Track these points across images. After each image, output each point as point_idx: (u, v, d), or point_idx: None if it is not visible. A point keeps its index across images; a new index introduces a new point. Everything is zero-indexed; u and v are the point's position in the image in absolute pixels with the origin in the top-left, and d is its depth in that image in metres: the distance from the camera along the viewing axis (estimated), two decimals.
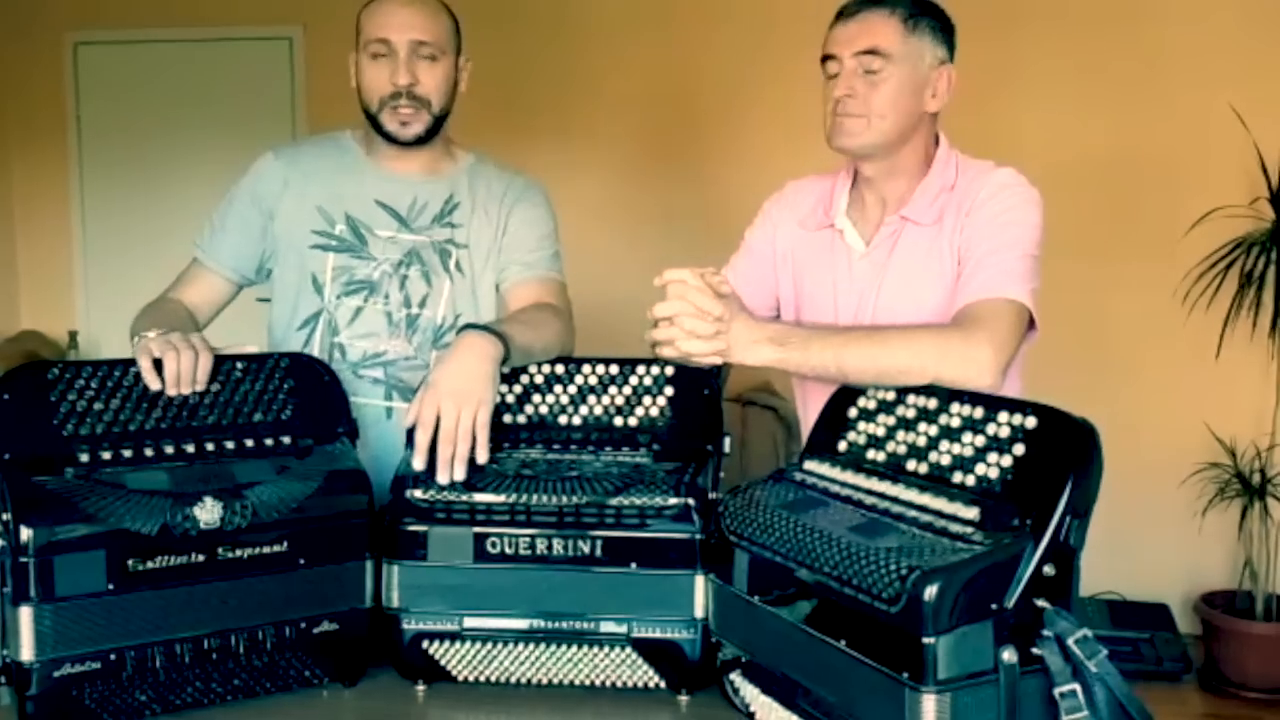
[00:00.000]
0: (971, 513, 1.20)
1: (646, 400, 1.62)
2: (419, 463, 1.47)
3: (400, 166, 1.88)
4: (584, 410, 1.63)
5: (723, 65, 4.23)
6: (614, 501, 1.40)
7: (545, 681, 1.43)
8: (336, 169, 1.88)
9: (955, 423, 1.32)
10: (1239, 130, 3.65)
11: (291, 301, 1.88)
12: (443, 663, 1.43)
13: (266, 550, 1.38)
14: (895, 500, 1.29)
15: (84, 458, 1.38)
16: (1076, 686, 1.10)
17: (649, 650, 1.40)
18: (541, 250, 1.91)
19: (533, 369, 1.65)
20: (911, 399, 1.39)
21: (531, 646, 1.42)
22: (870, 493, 1.33)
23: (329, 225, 1.85)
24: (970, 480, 1.26)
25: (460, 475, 1.46)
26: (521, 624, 1.41)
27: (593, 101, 4.37)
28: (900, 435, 1.38)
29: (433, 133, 1.84)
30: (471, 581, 1.41)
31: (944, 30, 1.66)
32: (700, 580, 1.39)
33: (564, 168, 4.07)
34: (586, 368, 1.64)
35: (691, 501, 1.39)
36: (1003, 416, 1.26)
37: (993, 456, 1.24)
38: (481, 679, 1.44)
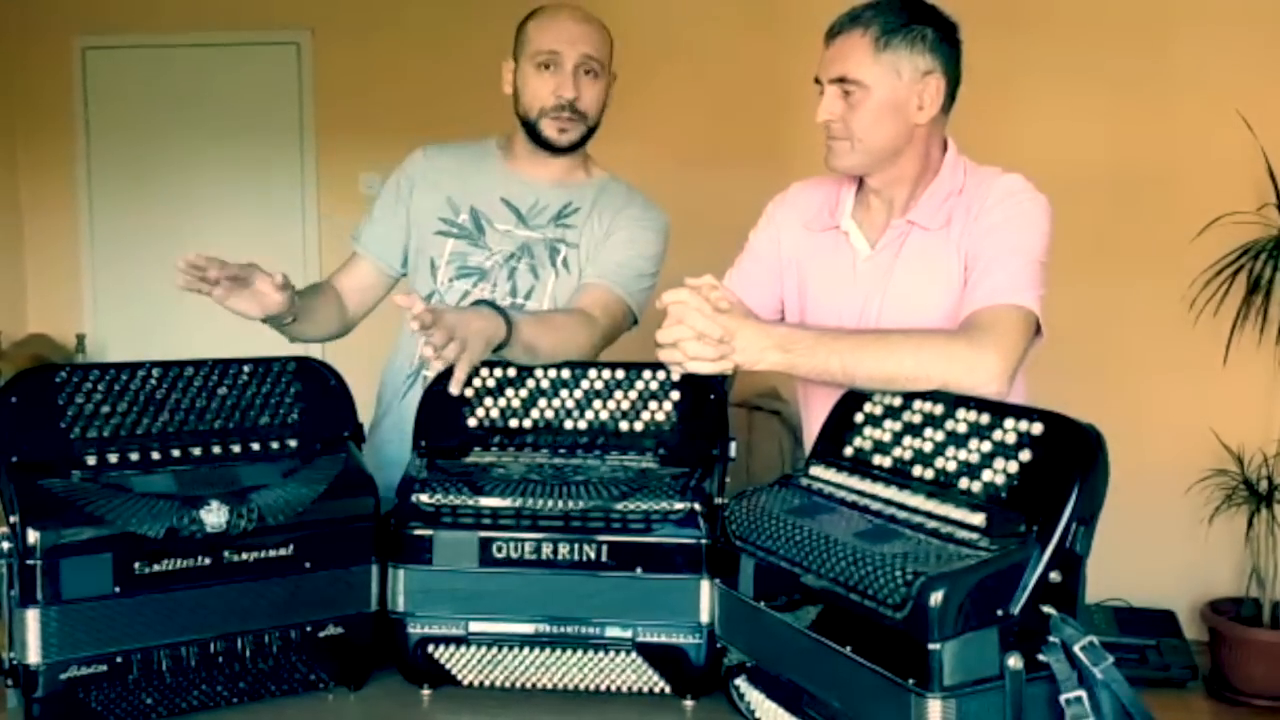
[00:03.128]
0: (977, 519, 1.19)
1: (652, 405, 1.62)
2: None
3: (533, 173, 1.97)
4: (590, 415, 1.63)
5: (758, 69, 4.19)
6: (619, 506, 1.40)
7: (550, 686, 1.43)
8: (473, 167, 1.99)
9: (961, 428, 1.32)
10: (1246, 135, 3.65)
11: (414, 286, 1.98)
12: (448, 667, 1.43)
13: (272, 554, 1.38)
14: (901, 506, 1.29)
15: (91, 461, 1.38)
16: (1082, 693, 1.10)
17: (654, 655, 1.40)
18: (625, 267, 1.92)
19: (539, 373, 1.65)
20: (918, 404, 1.39)
21: (537, 651, 1.42)
22: (876, 498, 1.32)
23: (453, 214, 1.96)
24: (976, 486, 1.25)
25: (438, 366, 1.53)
26: (527, 628, 1.41)
27: (624, 103, 4.34)
28: (906, 441, 1.38)
29: (584, 141, 1.94)
30: (477, 586, 1.41)
31: (938, 37, 1.62)
32: (705, 585, 1.39)
33: None
34: (593, 372, 1.65)
35: (697, 506, 1.39)
36: (1009, 423, 1.26)
37: (999, 462, 1.24)
38: (487, 683, 1.44)
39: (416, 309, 1.46)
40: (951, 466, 1.30)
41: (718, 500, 1.43)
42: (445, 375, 1.63)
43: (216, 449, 1.45)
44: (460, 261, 1.94)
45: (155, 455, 1.41)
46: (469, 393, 1.64)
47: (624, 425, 1.61)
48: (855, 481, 1.38)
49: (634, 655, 1.41)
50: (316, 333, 1.94)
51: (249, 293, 1.67)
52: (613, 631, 1.40)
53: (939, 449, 1.33)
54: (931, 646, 1.07)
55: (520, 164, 1.97)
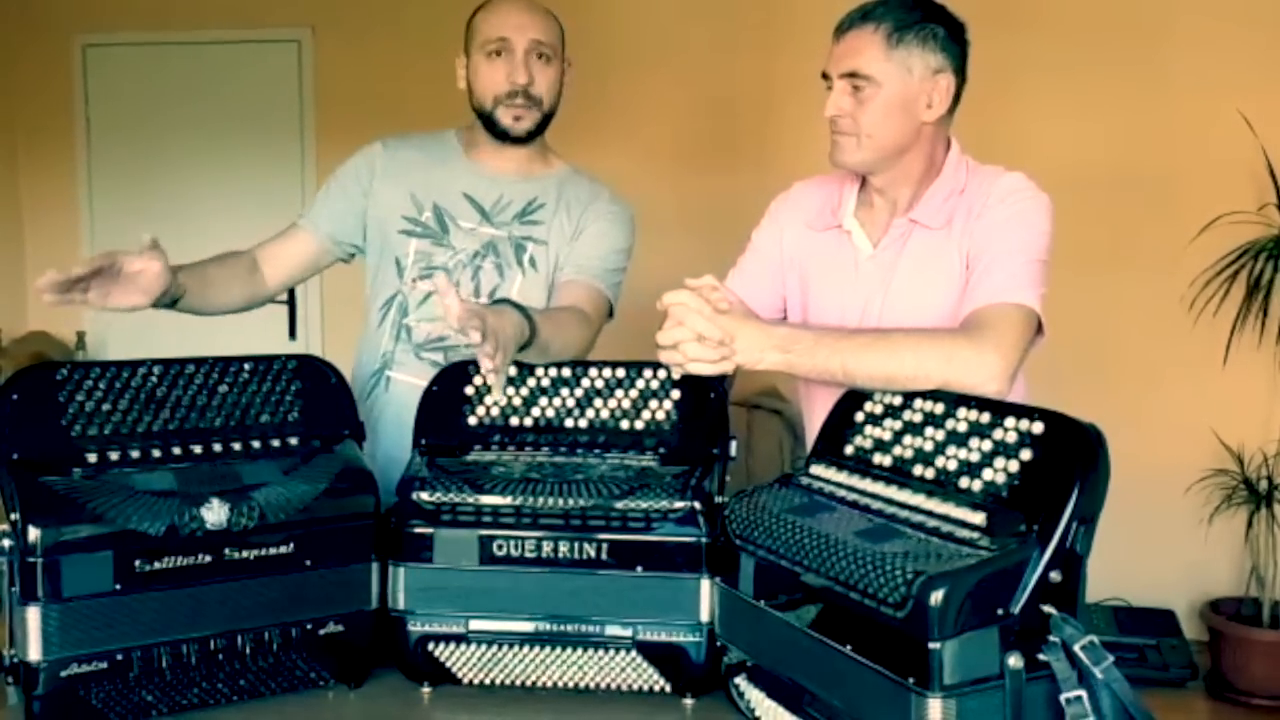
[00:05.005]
0: (978, 518, 1.20)
1: (653, 404, 1.62)
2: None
3: (495, 166, 1.95)
4: (590, 413, 1.63)
5: (751, 69, 4.19)
6: (620, 505, 1.40)
7: (550, 684, 1.43)
8: (434, 161, 1.96)
9: (962, 428, 1.32)
10: (1247, 135, 3.64)
11: (377, 283, 1.97)
12: (448, 665, 1.43)
13: (273, 551, 1.38)
14: (901, 505, 1.29)
15: (92, 458, 1.38)
16: (1082, 693, 1.10)
17: (654, 654, 1.40)
18: (602, 261, 1.92)
19: (540, 372, 1.65)
20: (918, 404, 1.39)
21: (537, 649, 1.42)
22: (876, 497, 1.33)
23: (417, 212, 1.93)
24: (977, 485, 1.25)
25: (489, 375, 1.46)
26: (527, 627, 1.41)
27: (619, 105, 4.34)
28: (907, 440, 1.38)
29: (541, 129, 1.92)
30: (477, 584, 1.41)
31: (948, 36, 1.63)
32: (706, 584, 1.39)
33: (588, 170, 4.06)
34: (593, 371, 1.65)
35: (697, 505, 1.39)
36: (1010, 422, 1.26)
37: (999, 462, 1.24)
38: (487, 681, 1.44)
39: (458, 311, 1.40)
40: (952, 465, 1.30)
41: (718, 499, 1.43)
42: (445, 375, 1.63)
43: (217, 447, 1.45)
44: (425, 261, 1.92)
45: (156, 453, 1.41)
46: (469, 391, 1.64)
47: (624, 424, 1.61)
48: (856, 480, 1.38)
49: (634, 654, 1.41)
50: (221, 302, 1.84)
51: (125, 282, 1.57)
52: (613, 630, 1.40)
53: (939, 448, 1.33)
54: (932, 645, 1.07)
55: (481, 156, 1.95)
